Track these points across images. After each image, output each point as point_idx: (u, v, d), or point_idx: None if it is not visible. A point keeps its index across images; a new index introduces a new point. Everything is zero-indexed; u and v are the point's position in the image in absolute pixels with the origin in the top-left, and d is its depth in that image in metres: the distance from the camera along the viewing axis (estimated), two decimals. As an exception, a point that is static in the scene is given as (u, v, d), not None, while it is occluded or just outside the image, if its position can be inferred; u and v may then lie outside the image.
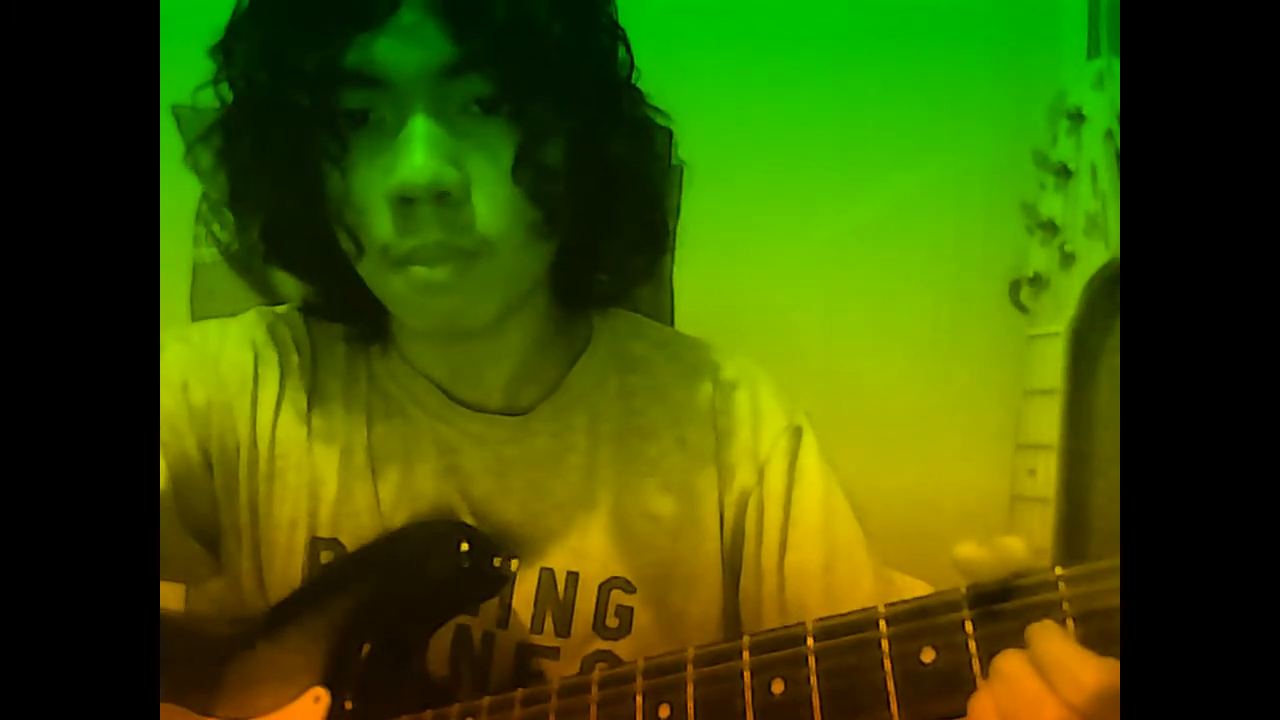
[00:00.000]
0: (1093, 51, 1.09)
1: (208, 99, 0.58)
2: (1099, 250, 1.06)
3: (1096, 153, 1.06)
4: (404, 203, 0.53)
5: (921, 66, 1.23)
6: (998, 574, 0.42)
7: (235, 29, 0.56)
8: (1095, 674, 0.38)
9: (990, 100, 1.22)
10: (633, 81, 0.61)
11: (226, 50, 0.57)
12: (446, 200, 0.53)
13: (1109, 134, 1.05)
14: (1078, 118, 1.08)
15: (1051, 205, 1.10)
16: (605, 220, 0.61)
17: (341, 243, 0.57)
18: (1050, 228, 1.10)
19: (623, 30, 0.60)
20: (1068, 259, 1.08)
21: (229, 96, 0.58)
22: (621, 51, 0.60)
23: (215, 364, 0.66)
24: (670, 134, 0.64)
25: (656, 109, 0.62)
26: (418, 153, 0.52)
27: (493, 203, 0.55)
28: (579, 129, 0.57)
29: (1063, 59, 1.13)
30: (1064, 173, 1.09)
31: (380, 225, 0.55)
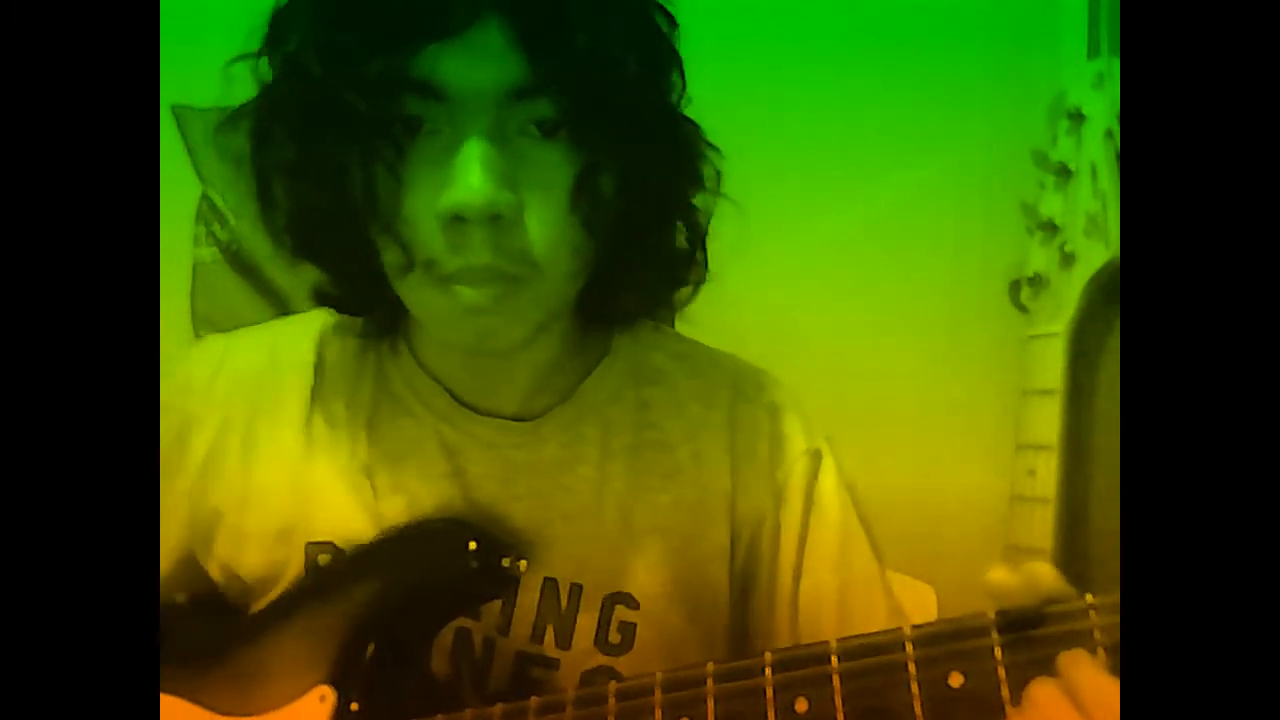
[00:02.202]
0: (1093, 51, 1.09)
1: (242, 73, 0.56)
2: (1099, 250, 1.06)
3: (1096, 153, 1.06)
4: (456, 221, 0.52)
5: (921, 66, 1.23)
6: (1027, 600, 0.42)
7: (288, 12, 0.54)
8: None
9: (990, 100, 1.22)
10: (684, 111, 0.60)
11: (277, 32, 0.55)
12: (499, 223, 0.52)
13: (1109, 134, 1.05)
14: (1078, 118, 1.08)
15: (1051, 205, 1.10)
16: (646, 250, 0.60)
17: (387, 254, 0.55)
18: (1050, 228, 1.10)
19: (680, 59, 0.58)
20: (1068, 259, 1.08)
21: (269, 77, 0.56)
22: (677, 79, 0.59)
23: (213, 379, 0.67)
24: (718, 167, 0.63)
25: (710, 143, 0.61)
26: (474, 173, 0.51)
27: (544, 228, 0.54)
28: (636, 158, 0.56)
29: (1063, 59, 1.13)
30: (1064, 173, 1.09)
31: (429, 241, 0.53)
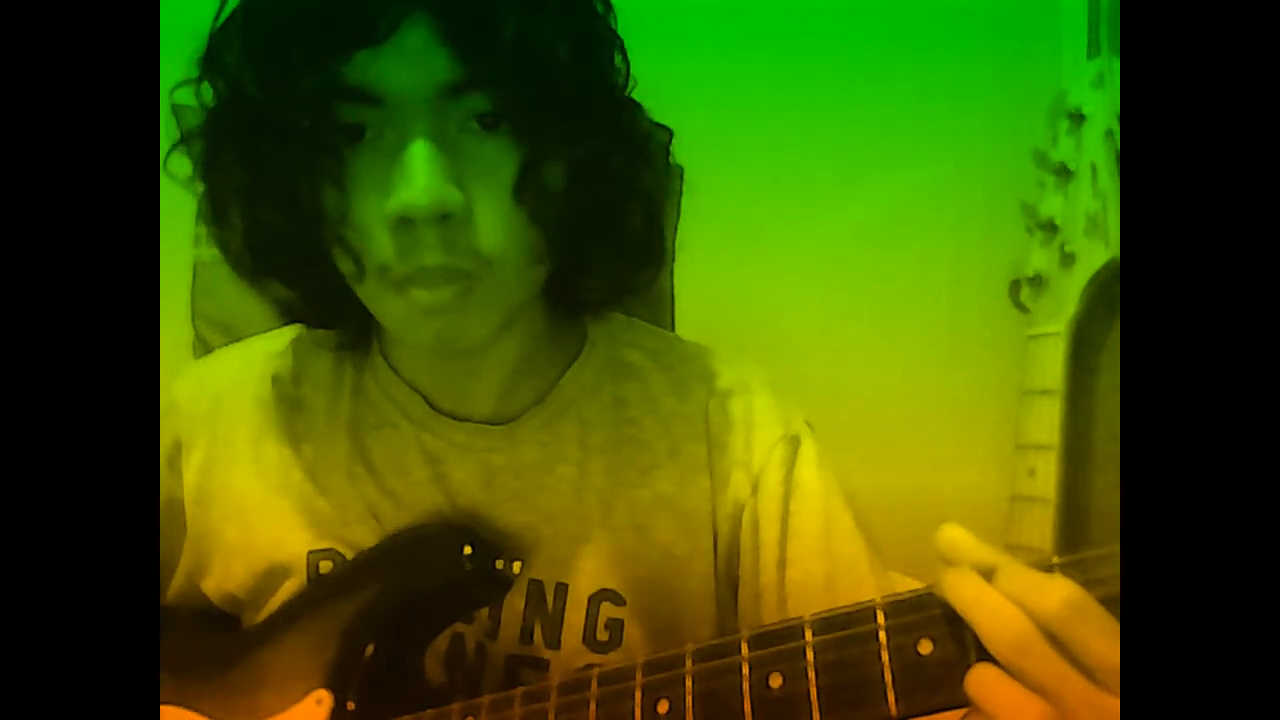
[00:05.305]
0: (1093, 51, 1.09)
1: (186, 98, 0.57)
2: (1099, 250, 1.06)
3: (1096, 153, 1.06)
4: (404, 224, 0.52)
5: (921, 66, 1.23)
6: (980, 554, 0.42)
7: (222, 35, 0.55)
8: (1061, 585, 0.39)
9: (990, 100, 1.22)
10: (630, 93, 0.60)
11: (211, 56, 0.55)
12: (448, 221, 0.52)
13: (1109, 134, 1.05)
14: (1078, 118, 1.08)
15: (1051, 205, 1.10)
16: (604, 235, 0.60)
17: (340, 263, 0.56)
18: (1050, 228, 1.10)
19: (621, 40, 0.58)
20: (1068, 259, 1.08)
21: (209, 100, 0.56)
22: (619, 61, 0.58)
23: (195, 401, 0.69)
24: (668, 146, 0.63)
25: (655, 122, 0.61)
26: (420, 174, 0.51)
27: (494, 222, 0.54)
28: (580, 146, 0.55)
29: (1063, 59, 1.13)
30: (1064, 173, 1.09)
31: (379, 246, 0.53)
